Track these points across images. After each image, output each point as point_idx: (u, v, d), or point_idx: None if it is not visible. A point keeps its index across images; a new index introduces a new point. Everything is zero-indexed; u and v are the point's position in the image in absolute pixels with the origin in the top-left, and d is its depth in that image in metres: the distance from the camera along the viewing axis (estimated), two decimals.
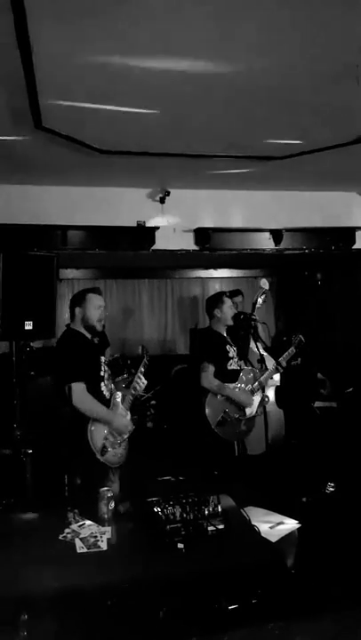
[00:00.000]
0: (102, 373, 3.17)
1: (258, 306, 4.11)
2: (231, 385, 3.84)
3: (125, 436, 3.14)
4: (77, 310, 3.18)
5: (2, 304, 3.41)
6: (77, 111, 3.31)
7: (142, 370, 3.29)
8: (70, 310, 3.24)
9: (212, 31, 2.47)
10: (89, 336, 3.22)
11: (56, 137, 3.63)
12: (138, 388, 3.26)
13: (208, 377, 3.78)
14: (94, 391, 3.04)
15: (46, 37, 2.46)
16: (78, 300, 3.23)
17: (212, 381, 3.78)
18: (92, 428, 2.98)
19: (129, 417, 3.24)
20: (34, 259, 3.76)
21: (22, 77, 2.77)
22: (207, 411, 3.75)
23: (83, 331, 3.19)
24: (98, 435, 3.00)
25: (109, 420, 3.05)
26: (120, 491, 2.68)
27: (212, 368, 3.80)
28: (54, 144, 3.78)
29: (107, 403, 3.13)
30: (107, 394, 3.15)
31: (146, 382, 3.29)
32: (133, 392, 3.24)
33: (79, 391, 2.94)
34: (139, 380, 3.25)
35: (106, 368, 3.25)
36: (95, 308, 3.18)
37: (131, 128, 3.64)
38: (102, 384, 3.14)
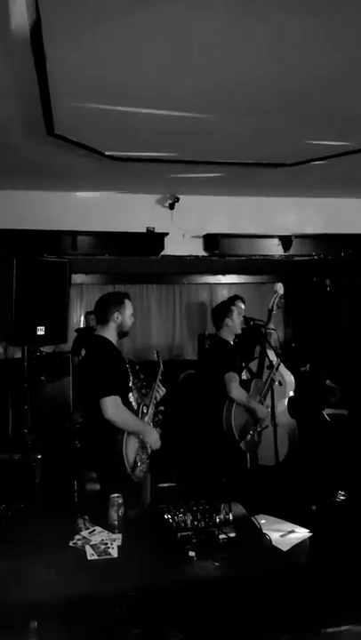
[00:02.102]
0: (130, 384, 3.03)
1: (274, 312, 4.07)
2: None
3: (150, 451, 2.99)
4: (115, 315, 2.98)
5: (15, 309, 3.41)
6: (89, 118, 3.33)
7: (160, 378, 3.16)
8: (102, 314, 3.03)
9: (225, 38, 2.48)
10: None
11: (67, 143, 3.65)
12: (158, 397, 3.13)
13: (237, 387, 3.70)
14: (124, 402, 2.88)
15: (60, 44, 2.48)
16: (116, 304, 3.02)
17: (241, 392, 3.72)
18: (128, 443, 2.81)
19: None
20: (46, 264, 3.76)
21: (36, 84, 2.80)
22: (233, 422, 3.70)
23: (113, 338, 3.01)
24: (131, 449, 2.84)
25: (144, 431, 2.90)
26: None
27: (237, 377, 3.74)
28: (66, 150, 3.81)
29: (135, 414, 2.98)
30: (135, 405, 3.00)
31: (165, 390, 3.15)
32: (154, 402, 3.08)
33: (115, 404, 2.77)
34: (159, 389, 3.13)
35: (133, 378, 3.09)
36: (130, 315, 3.04)
37: (141, 135, 3.65)
38: (130, 394, 3.00)
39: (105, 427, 2.78)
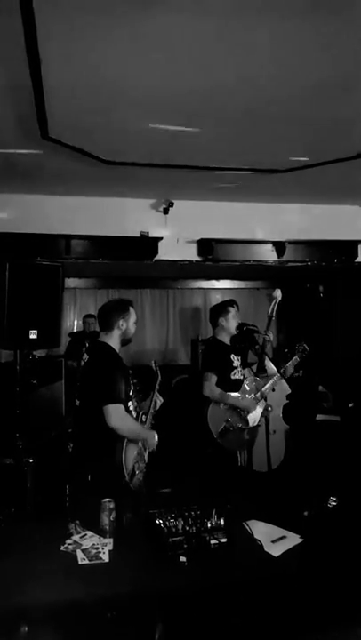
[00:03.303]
0: (131, 392, 3.01)
1: (273, 318, 4.10)
2: (234, 394, 3.82)
3: (147, 460, 2.99)
4: (120, 322, 2.98)
5: (8, 313, 3.40)
6: (84, 122, 3.34)
7: (158, 387, 3.20)
8: (106, 321, 3.01)
9: (219, 44, 2.50)
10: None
11: (62, 147, 3.66)
12: (157, 406, 3.15)
13: (210, 386, 3.76)
14: (125, 410, 2.86)
15: (55, 48, 2.48)
16: (121, 311, 3.01)
17: (213, 390, 3.76)
18: (127, 451, 2.79)
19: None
20: (40, 268, 3.76)
21: (30, 88, 2.80)
22: (209, 421, 3.73)
23: (116, 345, 3.00)
24: (130, 458, 2.82)
25: (147, 437, 2.90)
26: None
27: (214, 377, 3.78)
28: (60, 154, 3.81)
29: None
30: (134, 413, 2.98)
31: (163, 400, 3.18)
32: (153, 411, 3.09)
33: (120, 412, 2.75)
34: (156, 399, 3.15)
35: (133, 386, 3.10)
36: (134, 322, 3.05)
37: (136, 139, 3.67)
38: (130, 403, 2.98)
39: (105, 434, 2.75)
